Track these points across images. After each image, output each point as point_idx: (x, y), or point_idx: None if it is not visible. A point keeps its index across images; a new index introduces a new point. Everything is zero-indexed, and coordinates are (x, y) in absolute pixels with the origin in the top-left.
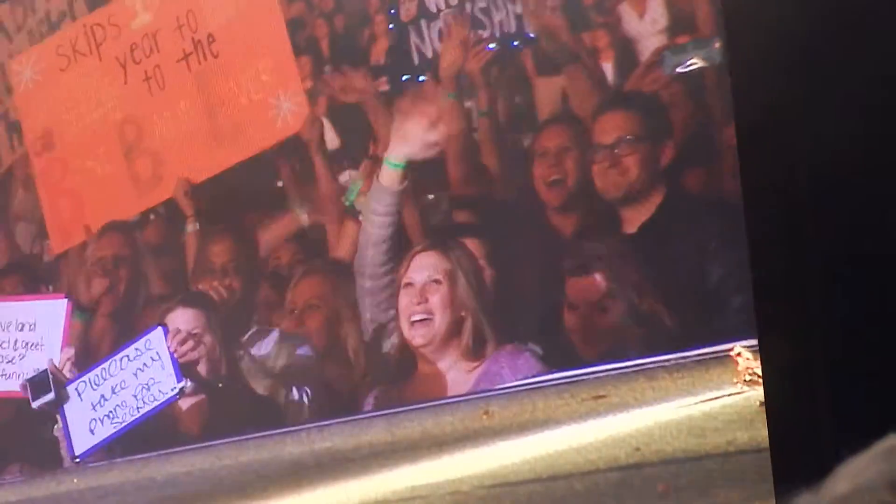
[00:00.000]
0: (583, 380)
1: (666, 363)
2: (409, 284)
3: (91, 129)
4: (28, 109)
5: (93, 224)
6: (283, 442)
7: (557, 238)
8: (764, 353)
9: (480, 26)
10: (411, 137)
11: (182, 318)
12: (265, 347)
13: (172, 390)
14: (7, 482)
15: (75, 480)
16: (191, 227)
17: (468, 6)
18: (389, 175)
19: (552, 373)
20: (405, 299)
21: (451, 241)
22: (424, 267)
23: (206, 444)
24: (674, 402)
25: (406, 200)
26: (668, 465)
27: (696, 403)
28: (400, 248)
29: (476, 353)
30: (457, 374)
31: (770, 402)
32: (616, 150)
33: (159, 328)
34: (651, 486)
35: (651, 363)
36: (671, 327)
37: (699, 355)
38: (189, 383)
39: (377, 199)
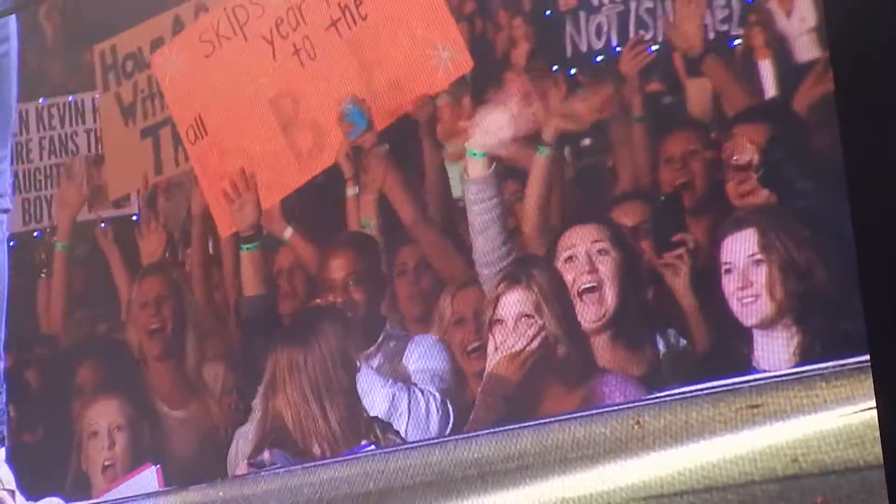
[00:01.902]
0: (737, 389)
1: (823, 371)
2: (499, 321)
3: (244, 109)
4: (176, 100)
5: (261, 203)
6: (429, 453)
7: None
8: (876, 369)
9: (643, 27)
10: (491, 130)
11: None
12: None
13: None
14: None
15: (221, 493)
16: (350, 191)
17: (633, 4)
18: (473, 165)
19: (706, 381)
20: (499, 337)
21: (534, 274)
22: (512, 304)
23: (353, 455)
24: (832, 411)
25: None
26: (827, 477)
27: (854, 412)
28: (508, 232)
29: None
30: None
31: (884, 419)
32: (750, 172)
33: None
34: (809, 498)
35: (808, 371)
36: (826, 334)
37: (857, 363)
38: None
39: (470, 191)
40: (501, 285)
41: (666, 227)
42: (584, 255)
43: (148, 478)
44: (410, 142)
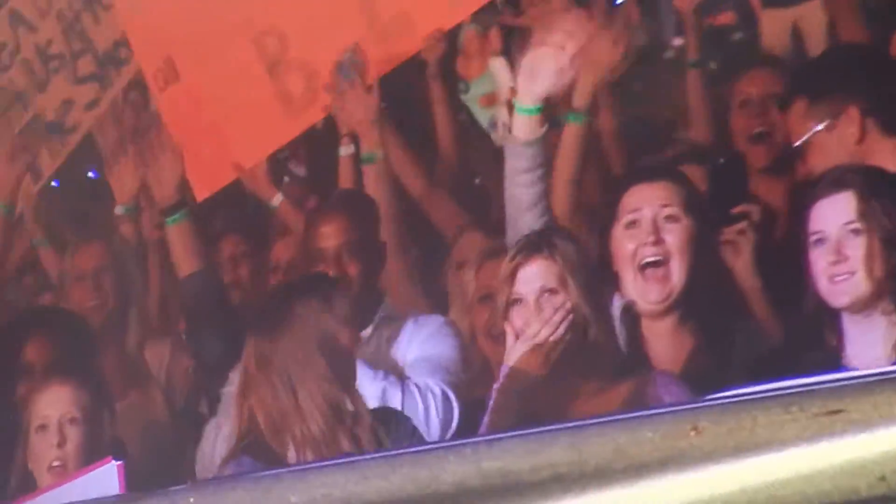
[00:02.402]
0: (815, 390)
1: None
2: (518, 300)
3: (221, 49)
4: (142, 39)
5: (244, 159)
6: (444, 458)
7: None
8: None
9: None
10: (540, 71)
11: None
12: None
13: None
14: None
15: (192, 500)
16: (345, 149)
17: None
18: (523, 124)
19: (776, 380)
20: (518, 320)
21: (556, 243)
22: (532, 278)
23: (351, 459)
24: None
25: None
26: None
27: None
28: (547, 205)
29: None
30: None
31: None
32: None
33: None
34: None
35: None
36: None
37: None
38: None
39: (517, 156)
40: (519, 256)
41: (725, 195)
42: (650, 222)
43: (107, 475)
44: (418, 87)
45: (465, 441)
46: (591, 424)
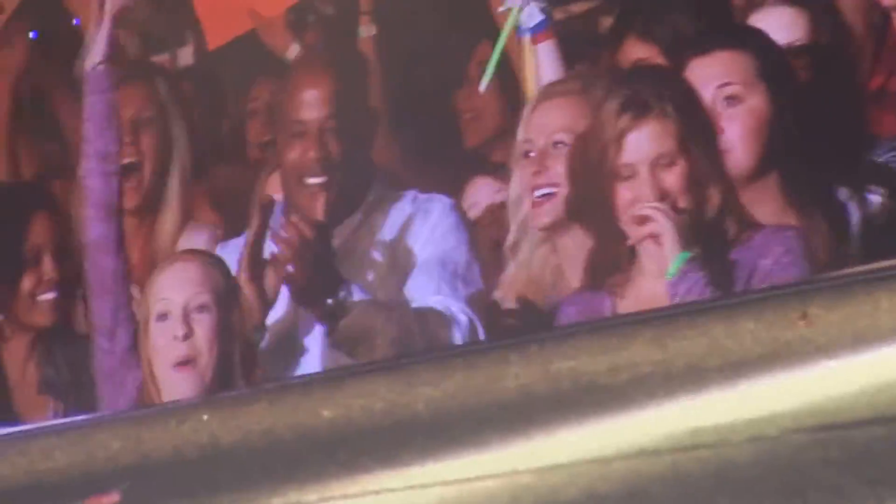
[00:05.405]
0: None
1: None
2: (630, 175)
3: None
4: None
5: (261, 7)
6: (504, 359)
7: None
8: None
9: None
10: None
11: None
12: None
13: None
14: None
15: (205, 417)
16: (365, 30)
17: None
18: None
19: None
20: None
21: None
22: (644, 144)
23: (394, 363)
24: None
25: None
26: None
27: None
28: None
29: None
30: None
31: None
32: None
33: None
34: None
35: None
36: None
37: None
38: None
39: None
40: (624, 118)
41: None
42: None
43: None
44: None
45: (530, 338)
46: (679, 314)
